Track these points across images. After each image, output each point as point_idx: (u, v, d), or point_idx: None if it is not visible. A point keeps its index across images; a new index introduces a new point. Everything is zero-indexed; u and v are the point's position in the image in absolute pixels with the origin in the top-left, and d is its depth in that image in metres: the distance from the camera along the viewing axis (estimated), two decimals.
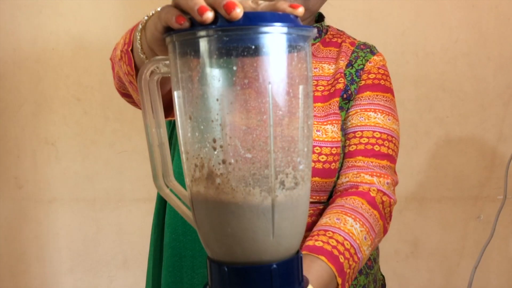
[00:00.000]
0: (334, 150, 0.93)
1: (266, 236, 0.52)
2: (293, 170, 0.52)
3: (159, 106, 0.60)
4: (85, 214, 1.90)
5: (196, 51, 0.50)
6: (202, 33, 0.49)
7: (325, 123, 0.95)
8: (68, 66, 1.85)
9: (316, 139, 0.93)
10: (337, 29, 1.09)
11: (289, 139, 0.52)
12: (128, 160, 1.87)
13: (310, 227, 0.90)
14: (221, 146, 0.50)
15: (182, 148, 0.54)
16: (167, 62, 0.56)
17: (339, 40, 1.05)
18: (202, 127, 0.51)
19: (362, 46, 1.05)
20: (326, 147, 0.93)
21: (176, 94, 0.53)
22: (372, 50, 1.04)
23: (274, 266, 0.52)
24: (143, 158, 1.85)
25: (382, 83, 1.01)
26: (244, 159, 0.50)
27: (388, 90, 1.01)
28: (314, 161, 0.92)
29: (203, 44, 0.49)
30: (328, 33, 1.07)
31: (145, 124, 0.60)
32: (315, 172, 0.92)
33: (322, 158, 0.93)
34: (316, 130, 0.94)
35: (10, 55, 1.85)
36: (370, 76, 1.01)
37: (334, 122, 0.95)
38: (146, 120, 0.60)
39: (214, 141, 0.50)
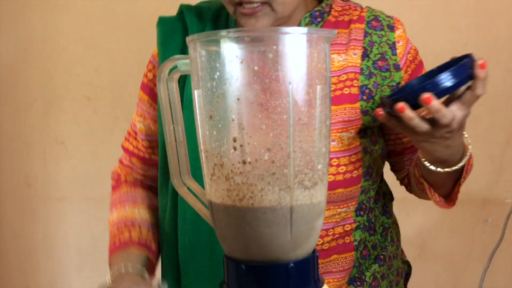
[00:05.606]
0: (353, 158, 0.86)
1: (283, 235, 0.52)
2: (312, 170, 0.53)
3: (178, 104, 0.60)
4: (93, 213, 1.90)
5: (218, 51, 0.50)
6: (224, 33, 0.49)
7: (340, 130, 0.85)
8: (79, 66, 1.86)
9: (332, 150, 0.84)
10: (342, 1, 0.92)
11: (308, 139, 0.52)
12: None
13: (340, 233, 0.90)
14: (241, 146, 0.51)
15: (201, 147, 0.54)
16: (187, 61, 0.56)
17: (347, 18, 0.89)
18: (221, 126, 0.52)
19: (373, 22, 0.89)
20: (344, 156, 0.85)
21: (196, 93, 0.53)
22: (389, 25, 0.89)
23: (291, 264, 0.53)
24: None
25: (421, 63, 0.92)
26: (263, 158, 0.51)
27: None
28: (333, 174, 0.84)
29: (225, 44, 0.50)
30: (333, 11, 0.90)
31: (163, 122, 0.60)
32: (337, 184, 0.85)
33: (342, 169, 0.85)
34: (332, 140, 0.84)
35: (21, 54, 1.86)
36: (411, 66, 0.90)
37: (350, 128, 0.85)
38: (164, 118, 0.60)
39: (234, 140, 0.51)
